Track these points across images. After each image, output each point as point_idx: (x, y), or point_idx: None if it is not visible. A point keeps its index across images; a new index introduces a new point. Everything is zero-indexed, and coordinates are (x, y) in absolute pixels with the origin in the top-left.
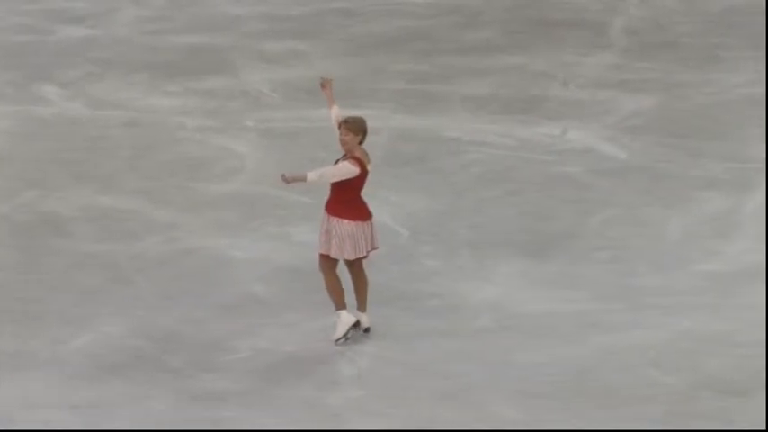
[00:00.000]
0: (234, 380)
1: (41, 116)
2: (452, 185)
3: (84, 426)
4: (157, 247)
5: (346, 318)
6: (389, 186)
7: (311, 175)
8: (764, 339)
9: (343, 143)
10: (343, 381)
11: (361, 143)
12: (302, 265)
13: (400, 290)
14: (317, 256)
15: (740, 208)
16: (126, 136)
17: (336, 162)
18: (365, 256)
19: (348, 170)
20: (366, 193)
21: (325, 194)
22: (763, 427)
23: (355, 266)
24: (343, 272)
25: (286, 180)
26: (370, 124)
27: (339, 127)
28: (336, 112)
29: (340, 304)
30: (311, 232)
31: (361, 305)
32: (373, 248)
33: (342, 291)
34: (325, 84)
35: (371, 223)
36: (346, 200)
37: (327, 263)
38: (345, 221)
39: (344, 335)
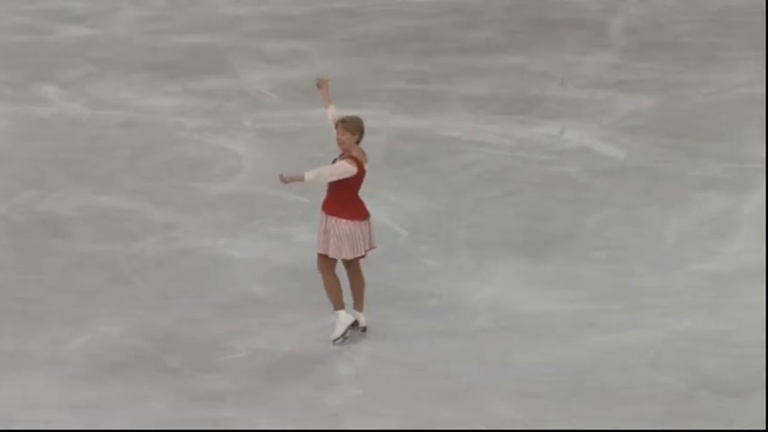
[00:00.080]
0: (232, 380)
1: (41, 116)
2: (451, 185)
3: (84, 426)
4: (156, 247)
5: (345, 317)
6: (388, 186)
7: (309, 175)
8: (762, 339)
9: (340, 143)
10: (342, 381)
11: (358, 142)
12: (300, 265)
13: (399, 290)
14: (316, 256)
15: (739, 208)
16: (125, 136)
17: (334, 161)
18: (363, 256)
19: (346, 169)
20: (365, 193)
21: (323, 194)
22: (763, 427)
23: (353, 266)
24: (340, 271)
25: (284, 180)
26: (369, 124)
27: (336, 126)
28: (333, 112)
29: (338, 304)
30: (310, 232)
31: (359, 305)
32: (371, 248)
33: (340, 290)
34: (321, 84)
35: (369, 222)
36: (344, 199)
37: (326, 263)
38: (343, 221)
39: (343, 335)
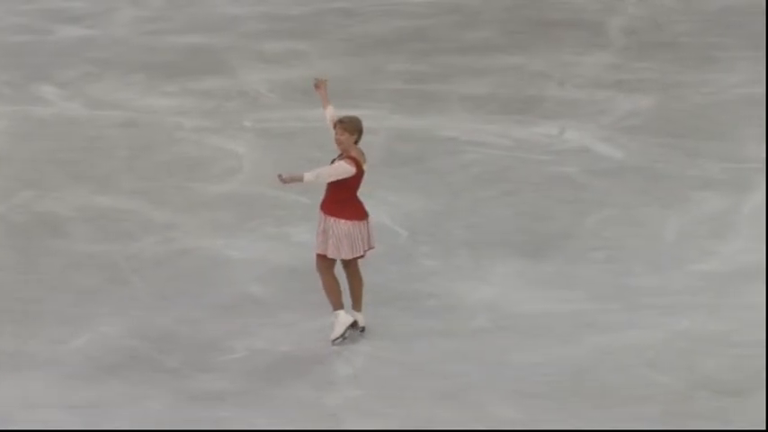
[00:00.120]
0: (231, 380)
1: (39, 116)
2: (450, 185)
3: (83, 426)
4: (155, 248)
5: (344, 318)
6: (387, 186)
7: (308, 176)
8: (761, 339)
9: (338, 143)
10: (340, 381)
11: (356, 142)
12: (299, 265)
13: (398, 290)
14: (314, 257)
15: (737, 208)
16: (123, 136)
17: (332, 162)
18: (362, 256)
19: (344, 169)
20: (364, 193)
21: (322, 194)
22: (763, 428)
23: (351, 266)
24: (338, 272)
25: (283, 180)
26: (368, 124)
27: (334, 127)
28: (331, 112)
29: (337, 304)
30: (309, 232)
31: (357, 305)
32: (370, 248)
33: (339, 291)
34: (319, 84)
35: (368, 222)
36: (342, 199)
37: (324, 263)
38: (342, 221)
39: (342, 335)
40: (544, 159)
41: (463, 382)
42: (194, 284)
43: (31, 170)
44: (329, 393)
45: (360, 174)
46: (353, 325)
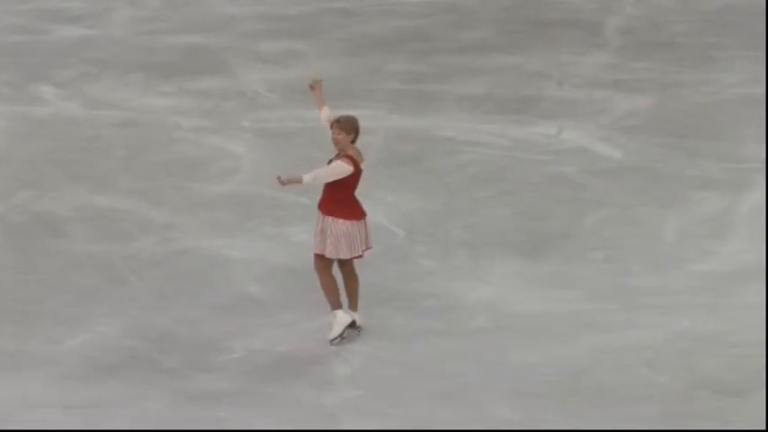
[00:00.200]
0: (229, 380)
1: (37, 116)
2: (448, 185)
3: (81, 426)
4: (153, 248)
5: (342, 317)
6: (385, 186)
7: (306, 177)
8: (760, 339)
9: (335, 142)
10: (339, 381)
11: (353, 142)
12: (298, 265)
13: (396, 290)
14: (313, 257)
15: (736, 208)
16: (121, 136)
17: (330, 162)
18: (361, 256)
19: (342, 169)
20: (362, 193)
21: (320, 194)
22: (762, 428)
23: (347, 266)
24: (334, 271)
25: (282, 183)
26: (366, 124)
27: (331, 126)
28: (327, 113)
29: (336, 304)
30: (307, 232)
31: (353, 304)
32: (368, 248)
33: (338, 290)
34: (315, 85)
35: (365, 222)
36: (340, 199)
37: (323, 263)
38: (340, 221)
39: (340, 335)
40: (542, 159)
41: (462, 381)
42: (193, 284)
43: (30, 170)
44: (327, 393)
45: (357, 173)
46: (352, 325)
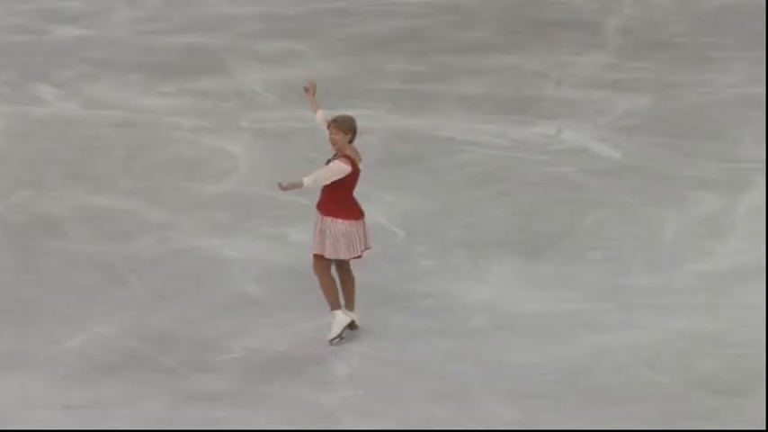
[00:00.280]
0: (228, 380)
1: (36, 116)
2: (447, 185)
3: (80, 426)
4: (152, 248)
5: (341, 318)
6: (384, 186)
7: (307, 181)
8: (759, 339)
9: (333, 142)
10: (338, 381)
11: (351, 142)
12: (297, 265)
13: (395, 290)
14: (311, 257)
15: (734, 208)
16: (120, 136)
17: (328, 162)
18: (360, 256)
19: (340, 169)
20: (361, 194)
21: (319, 194)
22: (762, 428)
23: (344, 266)
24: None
25: (283, 188)
26: (365, 124)
27: (328, 126)
28: (321, 115)
29: (335, 304)
30: (306, 232)
31: (350, 304)
32: (366, 248)
33: (337, 291)
34: (309, 88)
35: (364, 222)
36: (339, 199)
37: (321, 263)
38: (339, 221)
39: (339, 335)
40: (541, 159)
41: (460, 382)
42: (191, 284)
43: (29, 170)
44: (326, 393)
45: (356, 173)
46: (351, 325)
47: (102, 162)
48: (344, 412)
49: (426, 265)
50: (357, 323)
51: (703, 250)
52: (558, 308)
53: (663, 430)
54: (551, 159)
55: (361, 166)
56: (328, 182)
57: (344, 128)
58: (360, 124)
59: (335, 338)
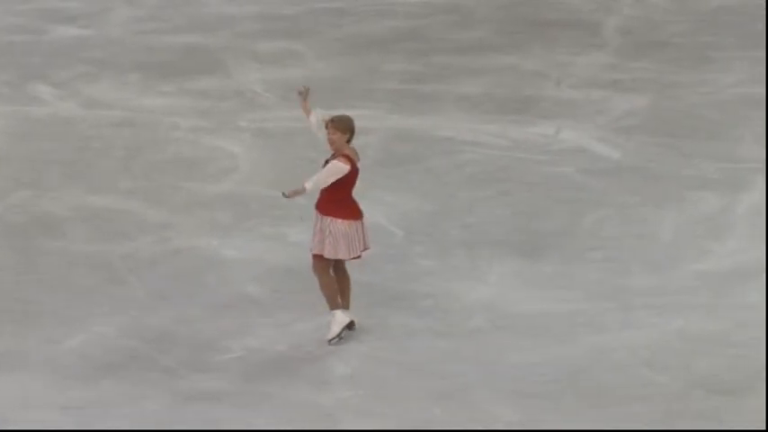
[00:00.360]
0: (227, 380)
1: (35, 116)
2: (446, 185)
3: (79, 426)
4: (151, 247)
5: (341, 317)
6: (383, 186)
7: (308, 185)
8: (758, 338)
9: (331, 142)
10: (337, 381)
11: (349, 141)
12: (296, 265)
13: (394, 290)
14: (311, 257)
15: (733, 208)
16: (119, 136)
17: (326, 162)
18: (359, 257)
19: (339, 169)
20: (360, 193)
21: (318, 194)
22: (762, 428)
23: (340, 265)
24: None
25: (287, 197)
26: (364, 124)
27: (326, 127)
28: (316, 118)
29: (335, 304)
30: (305, 232)
31: (347, 303)
32: (366, 248)
33: (337, 291)
34: (302, 93)
35: (363, 222)
36: (338, 199)
37: (321, 263)
38: (339, 220)
39: (338, 335)
40: (541, 159)
41: (460, 382)
42: (191, 284)
43: (28, 170)
44: (326, 393)
45: (354, 172)
46: (350, 325)
47: (102, 162)
48: (344, 412)
49: (426, 264)
50: (356, 323)
51: (703, 250)
52: (558, 308)
53: (663, 430)
54: (551, 159)
55: (359, 165)
56: (329, 182)
57: (342, 128)
58: (359, 124)
59: (334, 338)
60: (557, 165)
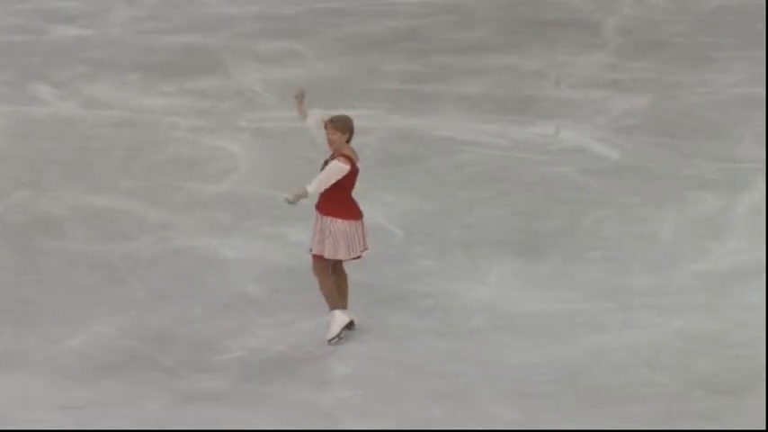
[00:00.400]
0: (227, 380)
1: (35, 116)
2: (446, 185)
3: (79, 426)
4: (150, 247)
5: (341, 317)
6: (383, 186)
7: (310, 188)
8: (758, 338)
9: (330, 143)
10: (337, 381)
11: (348, 141)
12: (295, 265)
13: (394, 290)
14: (310, 258)
15: (733, 208)
16: (119, 136)
17: (325, 162)
18: (359, 257)
19: (339, 169)
20: (360, 193)
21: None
22: (762, 428)
23: (338, 265)
24: None
25: (290, 202)
26: (364, 124)
27: (325, 127)
28: (313, 119)
29: (335, 304)
30: (305, 232)
31: (345, 303)
32: (365, 249)
33: (336, 291)
34: (299, 96)
35: (362, 223)
36: (338, 199)
37: (321, 263)
38: (339, 220)
39: (338, 335)
40: (540, 159)
41: (460, 382)
42: (190, 284)
43: (27, 170)
44: (325, 393)
45: (354, 172)
46: (350, 325)
47: (101, 162)
48: (344, 412)
49: (426, 264)
50: (356, 322)
51: (702, 250)
52: (558, 308)
53: (663, 430)
54: (550, 159)
55: (359, 165)
56: (330, 183)
57: (342, 127)
58: (359, 124)
59: (334, 338)
60: (556, 165)
